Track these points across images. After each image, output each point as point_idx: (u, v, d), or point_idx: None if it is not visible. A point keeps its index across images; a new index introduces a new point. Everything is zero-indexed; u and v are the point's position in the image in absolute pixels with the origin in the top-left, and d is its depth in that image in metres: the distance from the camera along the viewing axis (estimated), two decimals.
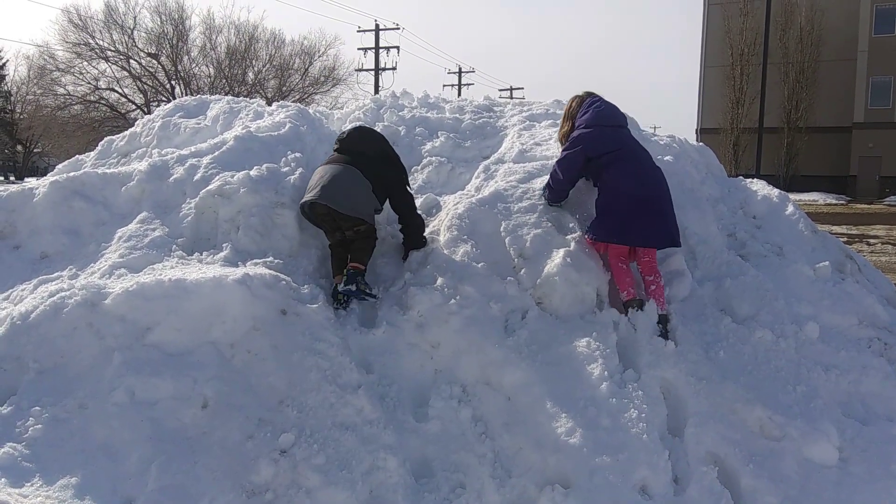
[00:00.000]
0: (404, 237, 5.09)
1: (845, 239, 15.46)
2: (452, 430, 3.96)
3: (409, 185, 5.22)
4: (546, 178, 5.30)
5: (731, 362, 4.40)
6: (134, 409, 3.76)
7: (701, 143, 7.13)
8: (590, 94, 5.25)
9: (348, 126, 5.59)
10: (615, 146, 4.86)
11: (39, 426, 3.70)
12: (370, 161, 4.96)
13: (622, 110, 5.20)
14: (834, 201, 35.88)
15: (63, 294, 4.23)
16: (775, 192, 6.34)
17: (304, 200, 4.83)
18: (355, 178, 4.84)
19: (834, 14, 41.23)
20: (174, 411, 3.76)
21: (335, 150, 5.15)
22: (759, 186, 6.46)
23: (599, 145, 4.87)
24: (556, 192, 5.13)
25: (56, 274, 4.76)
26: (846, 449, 3.98)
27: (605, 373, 4.07)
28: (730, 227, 5.81)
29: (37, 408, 3.78)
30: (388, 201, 5.06)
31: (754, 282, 5.04)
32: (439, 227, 5.15)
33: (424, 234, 5.11)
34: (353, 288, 4.58)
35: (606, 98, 5.24)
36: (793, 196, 6.44)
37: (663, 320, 4.61)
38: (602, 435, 3.76)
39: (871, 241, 17.86)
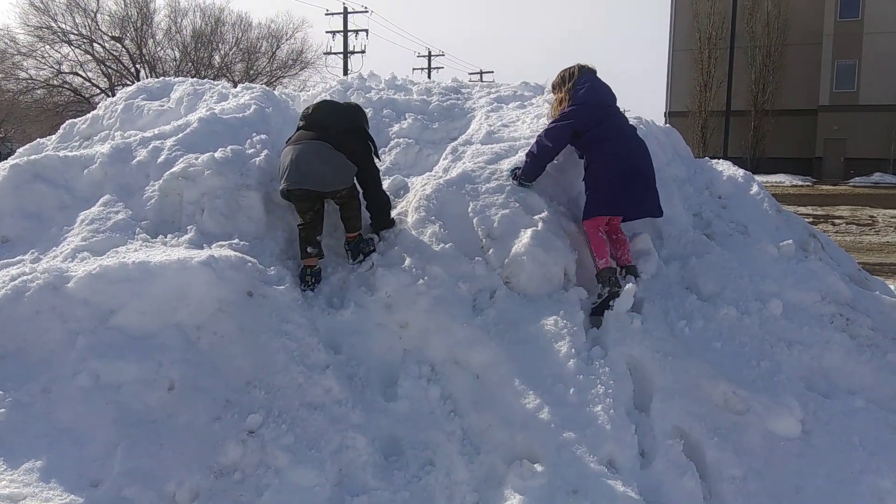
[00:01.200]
0: (371, 217, 5.03)
1: (811, 219, 15.70)
2: (421, 409, 3.97)
3: (378, 158, 5.16)
4: (513, 159, 5.31)
5: (696, 339, 4.45)
6: (98, 393, 3.72)
7: (667, 125, 7.17)
8: (584, 70, 5.27)
9: (314, 101, 5.47)
10: (603, 122, 4.98)
11: (2, 410, 3.66)
12: (337, 135, 4.86)
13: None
14: (800, 183, 36.37)
15: (25, 278, 4.17)
16: (740, 172, 6.40)
17: (280, 188, 4.77)
18: (324, 152, 4.77)
19: None
20: (139, 394, 3.73)
21: (301, 127, 5.03)
22: (725, 167, 6.52)
23: (588, 120, 4.96)
24: (536, 162, 5.09)
25: (17, 258, 4.67)
26: (809, 422, 4.05)
27: (573, 350, 4.10)
28: (696, 207, 5.86)
29: (0, 392, 3.72)
30: None
31: (719, 260, 5.09)
32: (407, 209, 5.14)
33: (392, 215, 5.07)
34: (362, 258, 4.80)
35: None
36: (759, 178, 6.52)
37: (633, 271, 4.82)
38: (569, 411, 3.79)
39: (836, 221, 18.15)
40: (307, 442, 3.63)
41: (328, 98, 6.19)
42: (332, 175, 4.75)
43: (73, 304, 4.04)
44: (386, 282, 4.51)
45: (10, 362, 3.90)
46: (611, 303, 4.55)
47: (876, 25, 39.64)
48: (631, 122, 6.40)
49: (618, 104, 5.23)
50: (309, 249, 4.73)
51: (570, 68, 5.33)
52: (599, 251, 4.77)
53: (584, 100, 5.04)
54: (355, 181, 4.92)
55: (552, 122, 5.11)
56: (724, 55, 35.27)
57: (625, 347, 4.24)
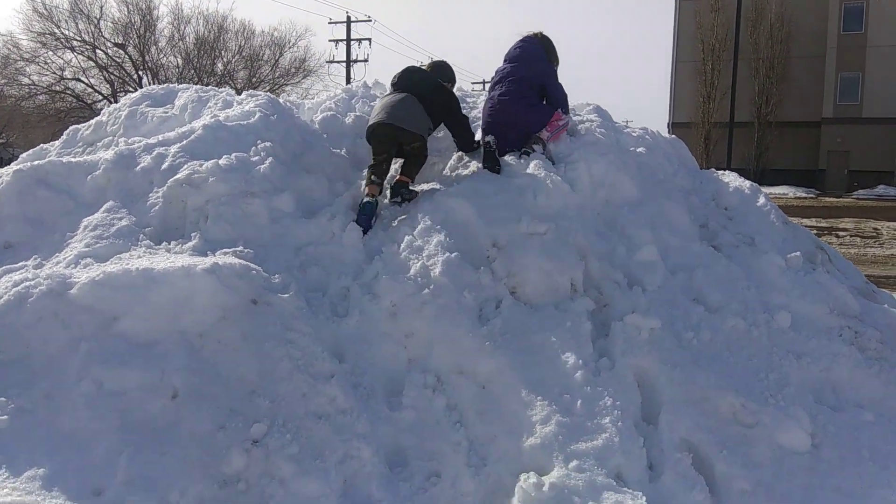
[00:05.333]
0: (457, 142, 5.93)
1: (815, 232, 15.62)
2: (426, 419, 3.94)
3: (460, 108, 5.92)
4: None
5: (703, 350, 4.40)
6: (101, 400, 3.69)
7: (673, 136, 7.14)
8: (525, 38, 6.29)
9: (398, 70, 6.07)
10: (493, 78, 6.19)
11: (5, 417, 3.62)
12: (423, 91, 5.69)
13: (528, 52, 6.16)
14: (803, 195, 36.34)
15: (28, 284, 4.14)
16: (747, 183, 6.37)
17: (370, 123, 5.55)
18: (412, 102, 5.59)
19: (803, 11, 41.71)
20: (142, 402, 3.70)
21: (389, 92, 5.86)
22: (731, 178, 6.49)
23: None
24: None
25: (20, 264, 4.64)
26: (818, 435, 4.01)
27: (580, 361, 4.06)
28: (702, 219, 5.82)
29: (2, 398, 3.69)
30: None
31: (726, 271, 5.06)
32: (413, 217, 5.11)
33: (474, 141, 5.90)
34: (399, 199, 5.33)
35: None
36: (763, 189, 6.51)
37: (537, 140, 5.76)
38: (577, 422, 3.75)
39: (840, 233, 18.11)
40: (312, 452, 3.60)
41: (333, 111, 6.39)
42: (413, 119, 5.50)
43: (76, 311, 4.01)
44: (391, 290, 4.48)
45: (12, 368, 3.86)
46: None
47: (879, 38, 39.72)
48: (636, 134, 6.43)
49: (519, 58, 6.12)
50: (373, 178, 5.33)
51: None
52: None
53: None
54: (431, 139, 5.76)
55: None
56: (727, 67, 35.39)
57: (632, 358, 4.20)
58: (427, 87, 5.77)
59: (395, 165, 5.73)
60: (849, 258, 7.44)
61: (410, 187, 5.43)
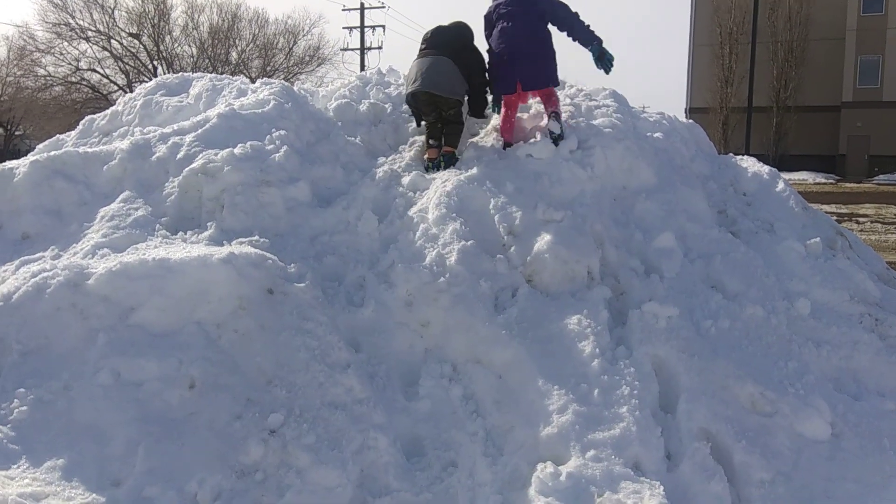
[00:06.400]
0: (469, 108, 6.06)
1: (835, 218, 15.41)
2: (443, 409, 3.93)
3: (486, 69, 5.99)
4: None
5: (722, 338, 4.36)
6: (119, 391, 3.70)
7: (690, 121, 7.08)
8: None
9: (429, 28, 6.20)
10: (495, 15, 5.87)
11: (24, 408, 3.65)
12: (454, 50, 5.81)
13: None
14: (823, 180, 35.95)
15: (45, 275, 4.16)
16: (765, 168, 6.30)
17: (408, 91, 5.75)
18: (447, 64, 5.71)
19: None
20: (160, 392, 3.71)
21: (422, 49, 5.94)
22: (750, 163, 6.43)
23: (489, 17, 5.93)
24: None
25: (38, 254, 4.67)
26: (838, 424, 3.97)
27: (597, 350, 4.03)
28: (720, 205, 5.77)
29: (21, 389, 3.72)
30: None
31: (745, 258, 5.01)
32: (427, 205, 5.08)
33: (486, 110, 6.09)
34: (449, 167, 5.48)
35: None
36: (782, 175, 6.46)
37: (555, 116, 5.59)
38: (594, 412, 3.72)
39: (861, 219, 17.93)
40: (329, 441, 3.60)
41: (347, 98, 6.34)
42: (450, 84, 5.67)
43: (94, 301, 4.02)
44: (406, 279, 4.46)
45: (31, 359, 3.89)
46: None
47: None
48: (653, 119, 6.37)
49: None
50: (431, 142, 5.69)
51: None
52: (504, 130, 5.83)
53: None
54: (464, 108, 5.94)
55: None
56: (745, 50, 34.89)
57: (650, 347, 4.16)
58: (460, 47, 5.87)
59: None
60: (869, 244, 7.36)
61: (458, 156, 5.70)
